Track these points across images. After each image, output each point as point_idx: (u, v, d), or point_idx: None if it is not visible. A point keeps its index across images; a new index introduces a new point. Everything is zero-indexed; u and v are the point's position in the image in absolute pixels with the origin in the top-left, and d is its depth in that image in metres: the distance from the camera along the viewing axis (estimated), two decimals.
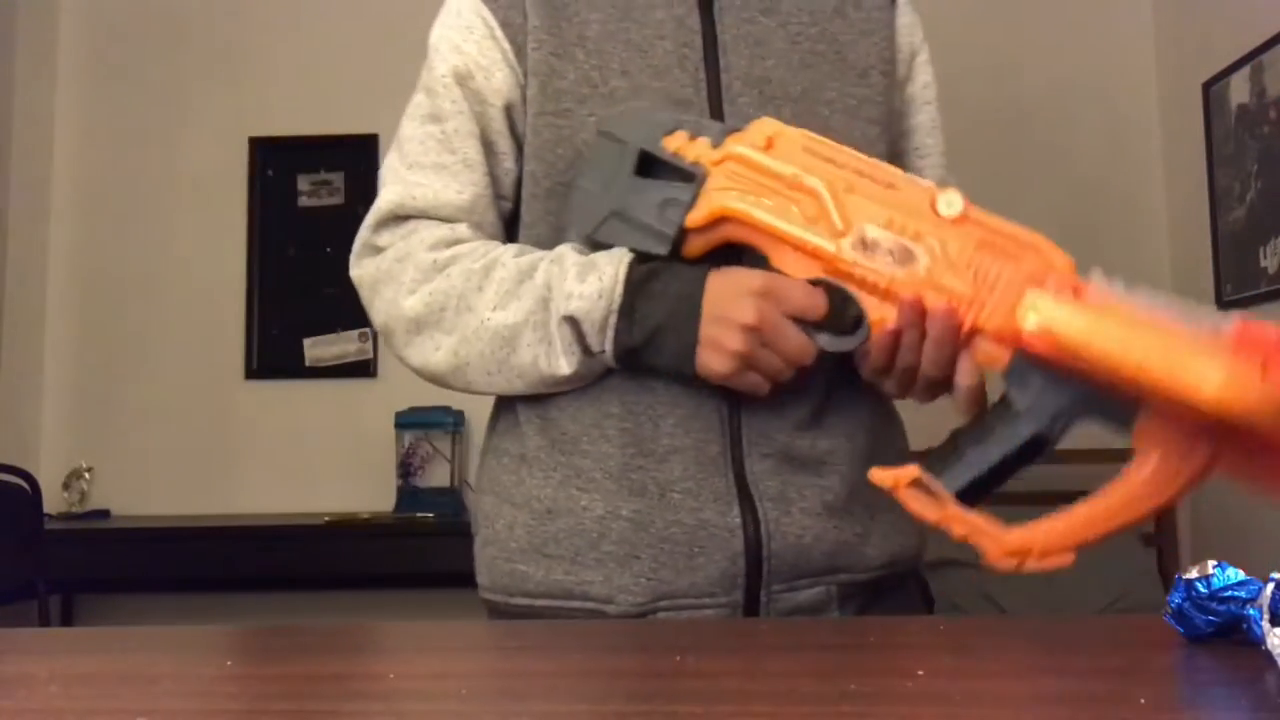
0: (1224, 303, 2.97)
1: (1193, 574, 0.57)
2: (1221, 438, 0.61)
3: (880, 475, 0.71)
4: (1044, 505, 2.63)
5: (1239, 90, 2.88)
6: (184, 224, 3.41)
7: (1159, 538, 3.06)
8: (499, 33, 0.88)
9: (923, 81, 0.99)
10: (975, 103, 3.23)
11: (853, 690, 0.50)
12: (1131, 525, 0.64)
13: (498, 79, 0.89)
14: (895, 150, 0.96)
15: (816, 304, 0.75)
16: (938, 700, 0.48)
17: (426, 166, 0.89)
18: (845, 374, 0.85)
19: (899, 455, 0.88)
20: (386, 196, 0.89)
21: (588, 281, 0.80)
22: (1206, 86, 3.03)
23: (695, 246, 0.80)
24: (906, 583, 0.95)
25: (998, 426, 0.68)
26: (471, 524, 0.97)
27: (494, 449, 0.95)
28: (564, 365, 0.82)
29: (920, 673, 0.52)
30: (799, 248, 0.75)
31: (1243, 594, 0.55)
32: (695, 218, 0.78)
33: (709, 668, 0.57)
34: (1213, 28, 3.02)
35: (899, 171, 0.75)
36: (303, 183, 3.39)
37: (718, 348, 0.77)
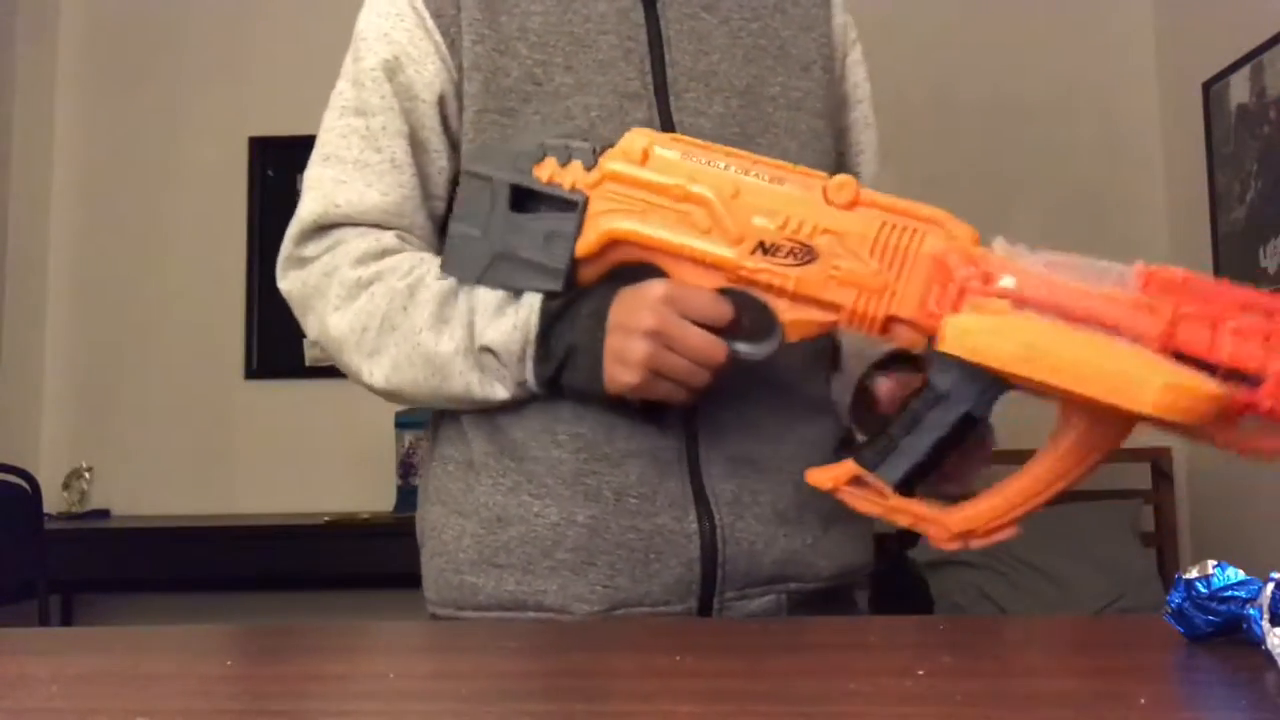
0: None
1: (1193, 574, 0.57)
2: None
3: (817, 476, 0.70)
4: (1045, 505, 2.58)
5: (1239, 90, 2.88)
6: (184, 224, 3.41)
7: (1159, 538, 3.06)
8: (430, 23, 0.85)
9: (854, 82, 0.98)
10: (975, 103, 3.23)
11: (853, 690, 0.50)
12: (1067, 490, 0.64)
13: (429, 71, 0.85)
14: (837, 147, 0.96)
15: (720, 308, 0.73)
16: (938, 700, 0.48)
17: (348, 163, 0.86)
18: (805, 382, 0.86)
19: None
20: (309, 206, 0.87)
21: (505, 314, 0.78)
22: (1206, 86, 3.03)
23: (589, 274, 0.77)
24: (853, 594, 0.94)
25: (926, 412, 0.67)
26: (418, 536, 0.95)
27: (439, 456, 0.92)
28: (500, 391, 0.81)
29: (920, 673, 0.52)
30: (698, 260, 0.72)
31: (1243, 594, 0.55)
32: (584, 246, 0.75)
33: (709, 668, 0.57)
34: (1213, 28, 3.02)
35: (786, 164, 0.72)
36: (302, 183, 3.39)
37: (622, 359, 0.74)
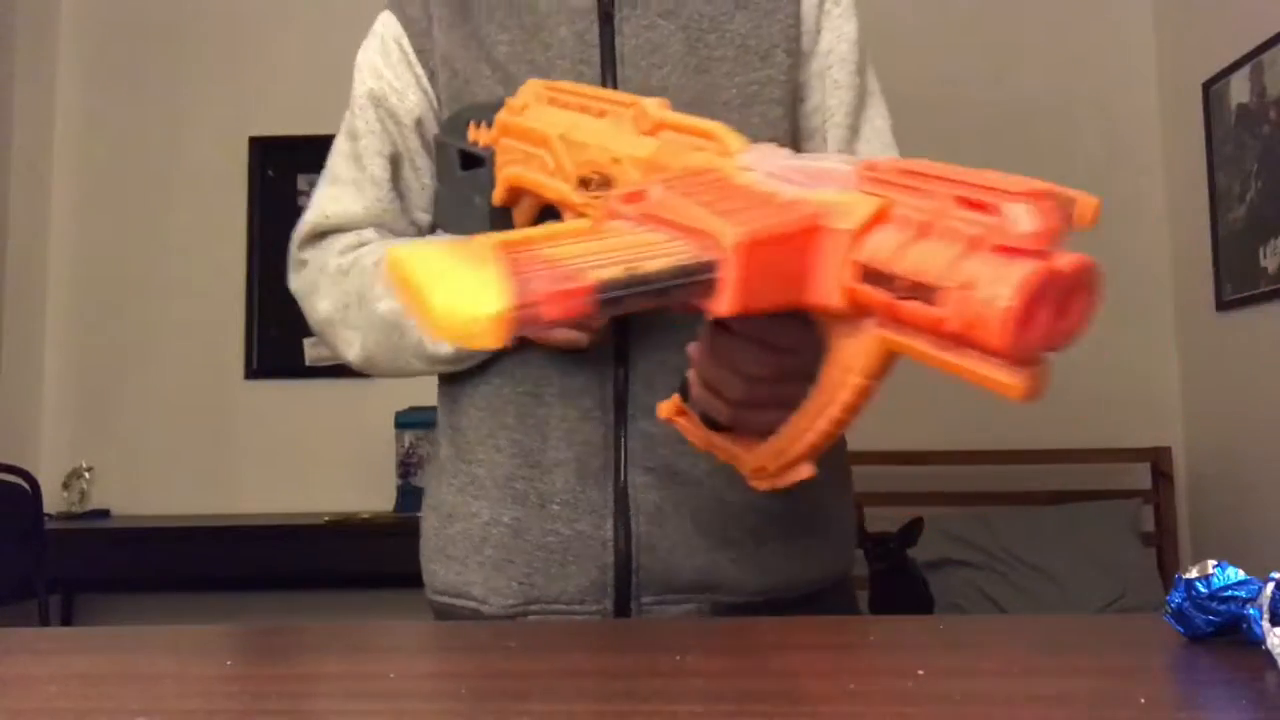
0: (1224, 303, 2.97)
1: (1193, 574, 0.57)
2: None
3: (661, 408, 0.69)
4: (1042, 504, 2.65)
5: (1239, 90, 2.88)
6: (184, 224, 3.42)
7: (1159, 538, 3.07)
8: (412, 57, 0.94)
9: (825, 47, 0.94)
10: (975, 103, 3.23)
11: (853, 690, 0.50)
12: (840, 423, 0.55)
13: (410, 100, 0.94)
14: (809, 125, 0.94)
15: None
16: (938, 700, 0.48)
17: (340, 180, 0.96)
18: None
19: (820, 485, 0.87)
20: (306, 217, 0.97)
21: None
22: (1206, 86, 3.03)
23: (522, 221, 0.81)
24: (791, 611, 0.90)
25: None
26: None
27: (429, 457, 1.00)
28: (443, 345, 0.85)
29: (920, 673, 0.52)
30: (558, 201, 0.74)
31: (1243, 594, 0.55)
32: (496, 197, 0.80)
33: (709, 668, 0.57)
34: (1213, 28, 3.02)
35: (622, 97, 0.72)
36: (303, 183, 3.39)
37: None
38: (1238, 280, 2.90)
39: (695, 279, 0.48)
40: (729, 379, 0.61)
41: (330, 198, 0.95)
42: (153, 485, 3.30)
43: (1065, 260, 0.44)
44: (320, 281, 0.94)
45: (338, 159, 0.96)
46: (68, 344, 3.39)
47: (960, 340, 0.46)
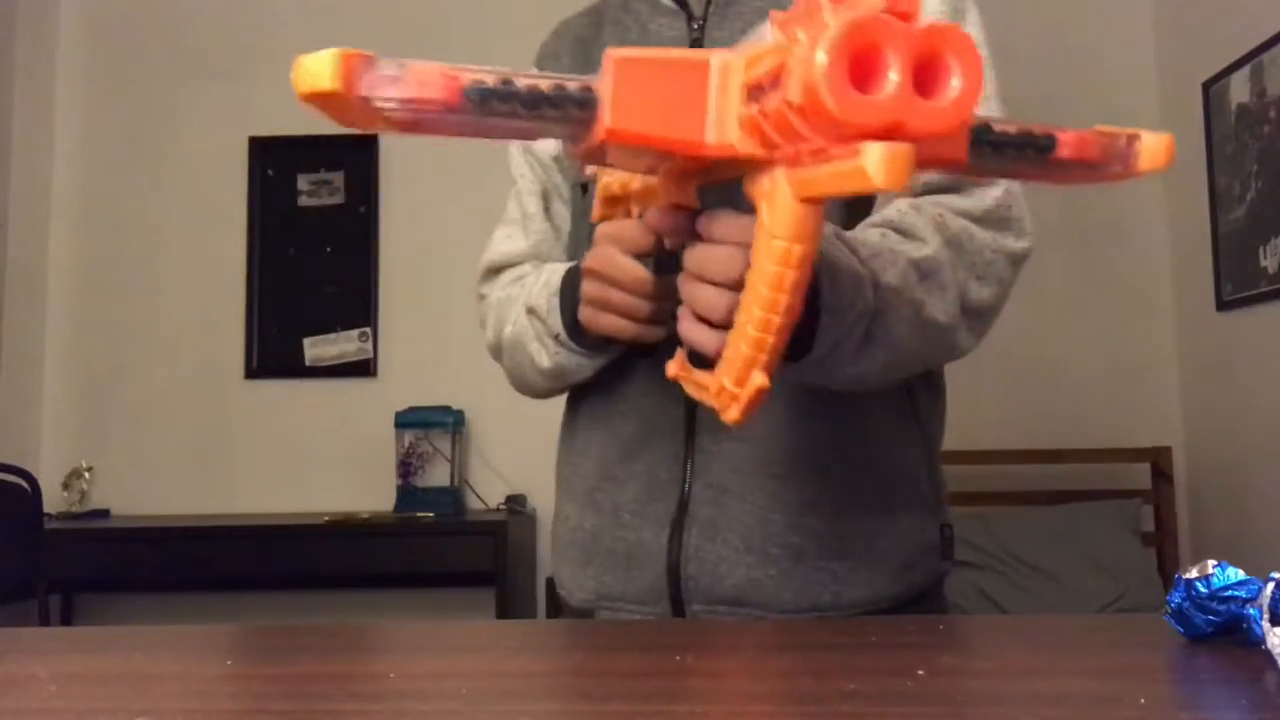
0: (1224, 303, 2.97)
1: (1193, 574, 0.57)
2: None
3: (669, 366, 0.70)
4: (1043, 504, 2.64)
5: (1239, 90, 2.88)
6: (184, 224, 3.42)
7: (1159, 537, 3.07)
8: None
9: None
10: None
11: (853, 690, 0.50)
12: (779, 296, 0.54)
13: (551, 143, 1.00)
14: None
15: (640, 235, 0.75)
16: (938, 700, 0.48)
17: (511, 221, 1.06)
18: (805, 421, 0.86)
19: (863, 508, 0.87)
20: (483, 256, 1.07)
21: (550, 282, 0.90)
22: (1206, 86, 3.03)
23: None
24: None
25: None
26: None
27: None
28: (544, 357, 0.91)
29: (920, 673, 0.52)
30: (635, 197, 0.75)
31: (1243, 594, 0.55)
32: (594, 215, 0.81)
33: (709, 668, 0.57)
34: (1213, 28, 3.02)
35: None
36: (303, 182, 3.39)
37: (584, 299, 0.82)
38: (1238, 280, 2.90)
39: (570, 95, 0.49)
40: (710, 296, 0.63)
41: (502, 237, 1.05)
42: (153, 485, 3.31)
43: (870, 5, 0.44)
44: (489, 314, 1.04)
45: (509, 201, 1.07)
46: (68, 344, 3.39)
47: (830, 140, 0.46)
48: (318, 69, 0.49)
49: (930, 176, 0.84)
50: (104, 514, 3.24)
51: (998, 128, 0.54)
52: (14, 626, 0.79)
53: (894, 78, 0.44)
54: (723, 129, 0.51)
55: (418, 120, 0.49)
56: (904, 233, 0.79)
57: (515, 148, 1.05)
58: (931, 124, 0.45)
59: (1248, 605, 0.55)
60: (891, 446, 0.89)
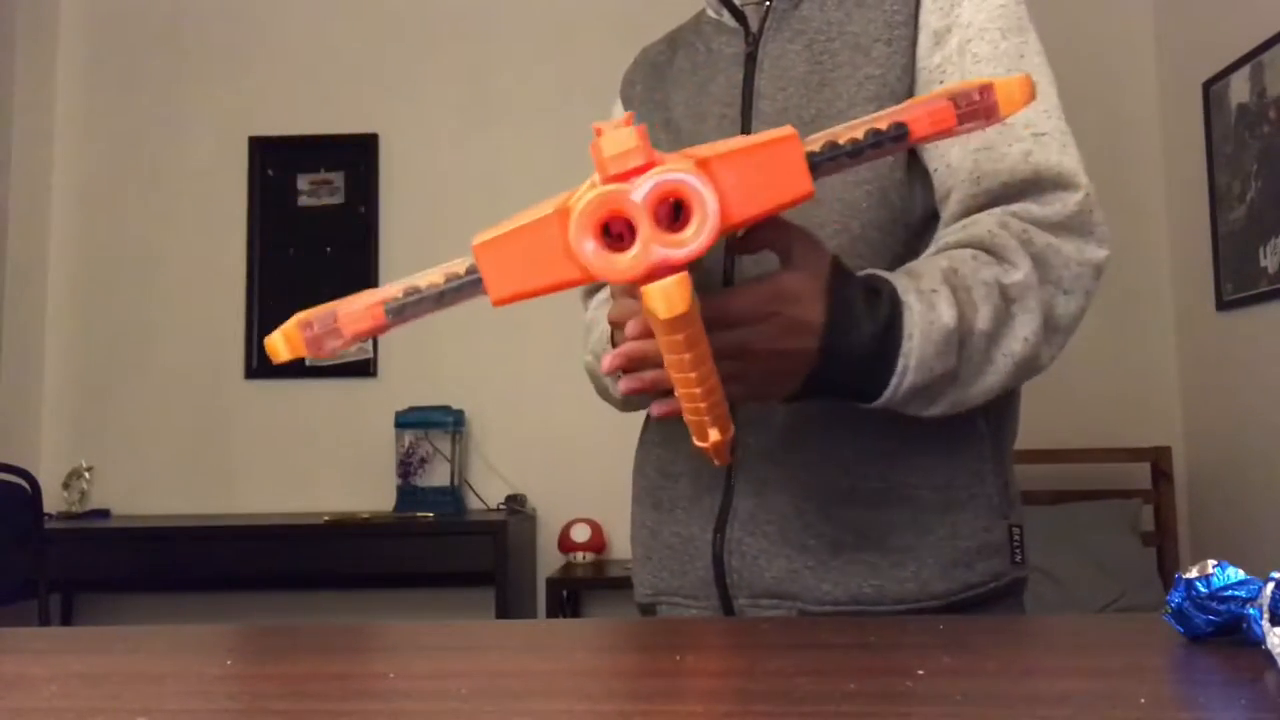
0: (1224, 303, 2.97)
1: (1193, 574, 0.57)
2: None
3: (654, 406, 0.76)
4: (1043, 504, 2.65)
5: (1239, 90, 2.88)
6: (184, 223, 3.42)
7: (1159, 537, 3.07)
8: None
9: (966, 19, 0.88)
10: None
11: (853, 690, 0.50)
12: (683, 366, 0.61)
13: None
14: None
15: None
16: (938, 700, 0.48)
17: None
18: (848, 414, 0.84)
19: (903, 500, 0.87)
20: None
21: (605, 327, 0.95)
22: (1206, 86, 3.03)
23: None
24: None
25: None
26: None
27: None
28: (613, 388, 0.95)
29: (920, 673, 0.52)
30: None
31: (1243, 594, 0.55)
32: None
33: (709, 668, 0.57)
34: (1213, 28, 3.02)
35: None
36: (303, 182, 3.39)
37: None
38: (1238, 280, 2.90)
39: (464, 280, 0.61)
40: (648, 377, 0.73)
41: None
42: (153, 485, 3.31)
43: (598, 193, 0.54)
44: (584, 332, 1.08)
45: None
46: (68, 344, 3.39)
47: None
48: (275, 347, 0.62)
49: (1009, 178, 0.82)
50: (104, 514, 3.24)
51: (844, 138, 0.61)
52: (14, 626, 0.79)
53: (640, 230, 0.54)
54: (581, 260, 0.58)
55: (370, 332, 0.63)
56: (997, 255, 0.80)
57: None
58: (687, 251, 0.54)
59: (1248, 605, 0.55)
60: (950, 440, 0.88)
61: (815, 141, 0.62)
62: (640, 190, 0.54)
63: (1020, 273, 0.78)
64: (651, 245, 0.54)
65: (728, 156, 0.57)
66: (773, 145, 0.58)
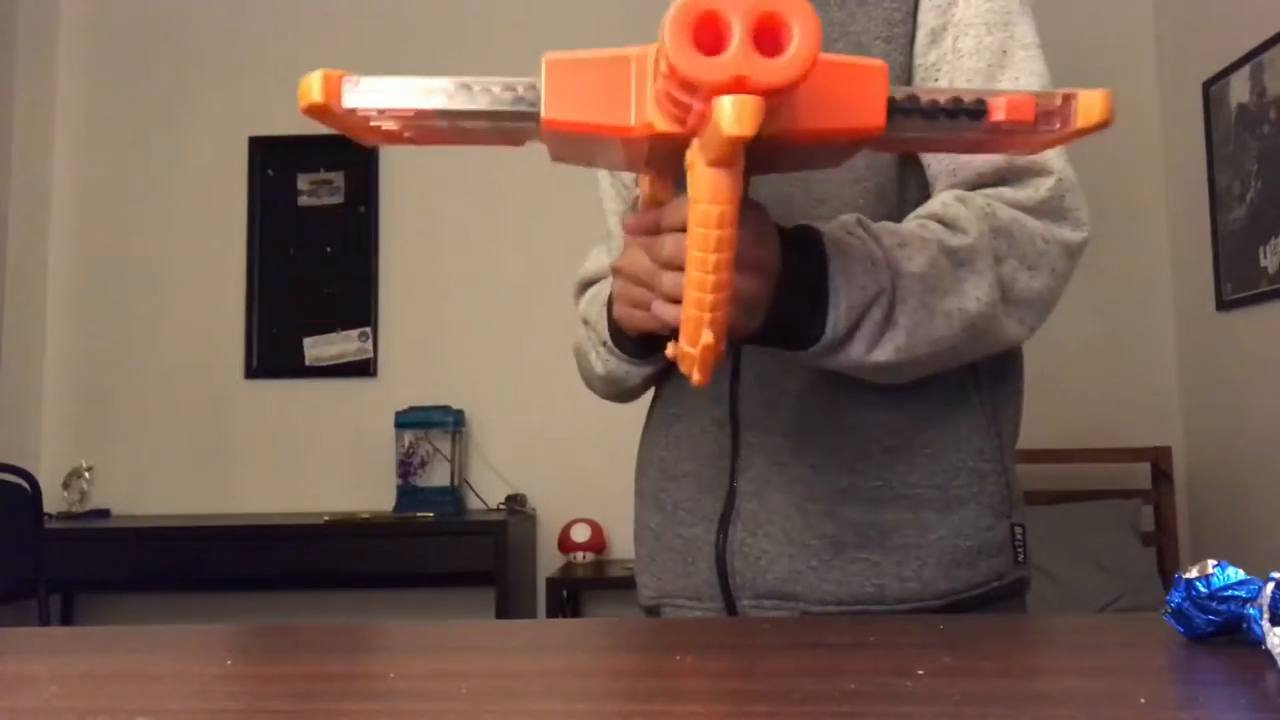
0: (1224, 303, 2.97)
1: (1193, 574, 0.57)
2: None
3: (669, 348, 0.72)
4: (1043, 504, 2.65)
5: (1239, 90, 2.88)
6: (184, 223, 3.42)
7: (1159, 537, 3.07)
8: None
9: (958, 17, 0.90)
10: None
11: (853, 690, 0.50)
12: (708, 254, 0.58)
13: (624, 173, 1.03)
14: None
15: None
16: (938, 700, 0.48)
17: (600, 240, 1.10)
18: (850, 412, 0.86)
19: (902, 499, 0.86)
20: (578, 273, 1.10)
21: (597, 292, 0.92)
22: (1206, 86, 3.03)
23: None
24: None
25: None
26: None
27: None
28: (599, 365, 0.96)
29: (920, 673, 0.52)
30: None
31: (1243, 594, 0.55)
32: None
33: (709, 668, 0.57)
34: (1213, 28, 3.02)
35: None
36: (303, 182, 3.39)
37: (615, 298, 0.83)
38: (1238, 280, 2.90)
39: (519, 95, 0.58)
40: (667, 278, 0.69)
41: (593, 255, 1.10)
42: (153, 485, 3.31)
43: None
44: (577, 326, 1.07)
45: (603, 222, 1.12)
46: (68, 344, 3.39)
47: (695, 99, 0.52)
48: (307, 86, 0.56)
49: (983, 167, 0.84)
50: (104, 514, 3.24)
51: (926, 97, 0.58)
52: (14, 626, 0.79)
53: (735, 38, 0.50)
54: (642, 111, 0.56)
55: (399, 129, 0.58)
56: (946, 223, 0.80)
57: (603, 172, 1.08)
58: (773, 77, 0.50)
59: (1248, 605, 0.55)
60: (952, 438, 0.88)
61: (898, 90, 0.59)
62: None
63: (969, 238, 0.78)
64: (745, 52, 0.49)
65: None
66: (861, 69, 0.57)
